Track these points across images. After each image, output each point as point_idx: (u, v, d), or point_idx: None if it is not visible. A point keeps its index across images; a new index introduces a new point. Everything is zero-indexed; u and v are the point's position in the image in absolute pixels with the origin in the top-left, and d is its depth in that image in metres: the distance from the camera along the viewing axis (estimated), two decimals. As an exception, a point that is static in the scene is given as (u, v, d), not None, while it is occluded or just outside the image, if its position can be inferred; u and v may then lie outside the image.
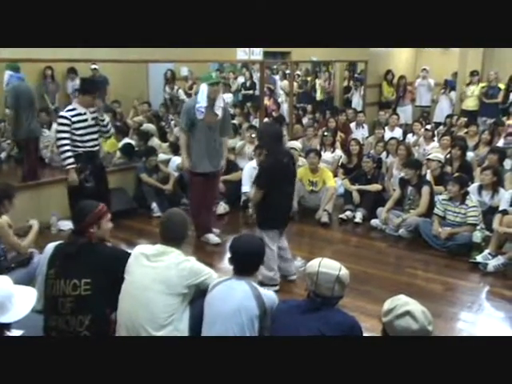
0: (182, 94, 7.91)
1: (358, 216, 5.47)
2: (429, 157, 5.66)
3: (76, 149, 4.34)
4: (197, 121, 4.48)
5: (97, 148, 4.55)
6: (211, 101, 4.47)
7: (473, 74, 8.79)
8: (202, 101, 4.45)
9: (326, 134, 7.01)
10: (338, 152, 6.86)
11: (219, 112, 4.57)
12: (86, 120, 4.37)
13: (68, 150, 4.30)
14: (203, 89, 4.47)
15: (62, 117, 4.33)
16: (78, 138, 4.34)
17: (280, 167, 3.75)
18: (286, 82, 9.28)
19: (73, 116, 4.31)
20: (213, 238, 4.82)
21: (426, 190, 5.04)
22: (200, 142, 4.54)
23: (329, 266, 2.30)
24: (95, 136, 4.47)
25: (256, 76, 8.90)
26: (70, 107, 4.45)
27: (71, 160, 4.31)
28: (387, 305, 2.00)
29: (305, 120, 8.86)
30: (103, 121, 4.51)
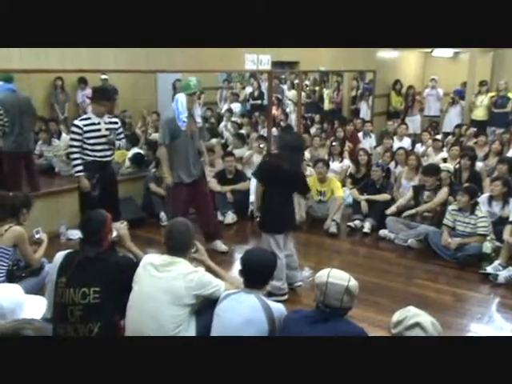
0: None
1: (367, 226, 5.45)
2: (438, 167, 5.64)
3: (86, 157, 4.39)
4: (179, 132, 4.40)
5: (107, 159, 4.55)
6: (189, 110, 4.43)
7: (482, 83, 8.77)
8: (183, 111, 4.38)
9: (334, 143, 7.01)
10: (346, 162, 6.85)
11: (199, 119, 4.59)
12: (98, 130, 4.42)
13: (77, 158, 4.36)
14: (181, 99, 4.38)
15: (74, 125, 4.41)
16: (89, 147, 4.38)
17: (274, 166, 3.76)
18: (293, 92, 9.31)
19: (85, 125, 4.36)
20: (220, 245, 4.81)
21: (445, 189, 5.11)
22: (184, 152, 4.46)
23: (338, 276, 2.29)
24: (107, 146, 4.50)
25: (264, 86, 8.94)
26: (84, 116, 4.53)
27: (79, 168, 4.37)
28: (396, 316, 1.99)
29: (313, 130, 8.88)
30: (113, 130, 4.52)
